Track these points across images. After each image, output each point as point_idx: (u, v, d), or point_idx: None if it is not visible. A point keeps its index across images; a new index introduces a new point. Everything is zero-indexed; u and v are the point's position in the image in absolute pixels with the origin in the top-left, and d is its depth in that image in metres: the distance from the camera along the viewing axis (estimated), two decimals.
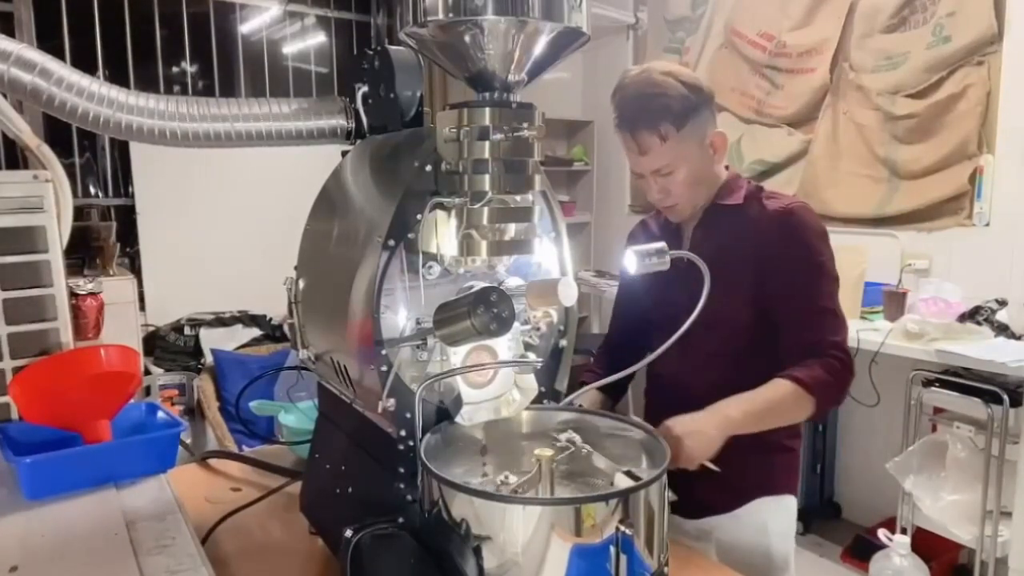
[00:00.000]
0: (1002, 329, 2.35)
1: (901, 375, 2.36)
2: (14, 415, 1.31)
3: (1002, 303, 2.43)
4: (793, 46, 3.22)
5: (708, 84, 1.31)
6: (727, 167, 1.37)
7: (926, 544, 2.29)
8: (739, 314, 1.27)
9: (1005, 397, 2.10)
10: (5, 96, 1.72)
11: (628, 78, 1.29)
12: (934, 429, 2.41)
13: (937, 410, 2.38)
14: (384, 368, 0.85)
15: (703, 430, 1.10)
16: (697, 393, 1.19)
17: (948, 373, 2.27)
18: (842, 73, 3.02)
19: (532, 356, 0.95)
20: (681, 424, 1.09)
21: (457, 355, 0.89)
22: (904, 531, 2.33)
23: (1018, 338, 2.32)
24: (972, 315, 2.42)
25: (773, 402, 1.17)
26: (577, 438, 0.93)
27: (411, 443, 0.86)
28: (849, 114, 3.00)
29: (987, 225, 2.60)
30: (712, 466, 1.10)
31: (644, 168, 1.29)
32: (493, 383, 0.93)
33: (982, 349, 2.18)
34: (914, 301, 2.55)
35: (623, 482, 0.80)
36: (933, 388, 2.28)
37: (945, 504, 2.28)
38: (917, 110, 2.76)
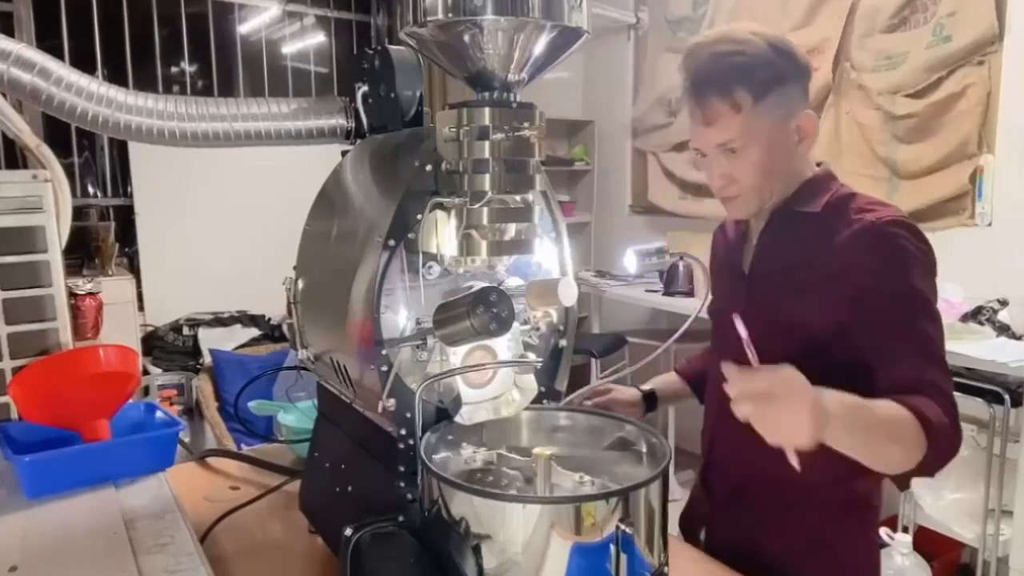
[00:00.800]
0: (1004, 329, 2.35)
1: None
2: (14, 415, 1.31)
3: (1004, 303, 2.43)
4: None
5: (804, 54, 1.10)
6: (819, 164, 1.16)
7: (928, 543, 2.29)
8: (811, 344, 1.04)
9: (1006, 397, 2.09)
10: (4, 96, 1.72)
11: (706, 35, 1.11)
12: None
13: None
14: (384, 368, 0.85)
15: (805, 397, 0.81)
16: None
17: None
18: (844, 73, 3.02)
19: (532, 356, 0.94)
20: (778, 379, 0.82)
21: (457, 355, 0.89)
22: (906, 530, 2.32)
23: (1019, 338, 2.32)
24: (974, 315, 2.42)
25: (880, 416, 0.91)
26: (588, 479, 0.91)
27: (411, 442, 0.86)
28: (851, 113, 3.00)
29: (989, 225, 2.60)
30: (794, 458, 0.82)
31: (708, 141, 1.08)
32: (492, 383, 0.93)
33: (984, 349, 2.18)
34: None
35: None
36: None
37: (947, 503, 2.27)
38: (917, 110, 2.76)
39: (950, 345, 2.28)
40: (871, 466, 0.94)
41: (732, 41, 1.06)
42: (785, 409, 0.80)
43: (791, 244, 1.10)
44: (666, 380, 1.42)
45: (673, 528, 1.12)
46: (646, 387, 1.39)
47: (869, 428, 0.89)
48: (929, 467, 0.95)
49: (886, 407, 0.92)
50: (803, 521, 1.11)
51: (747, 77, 1.04)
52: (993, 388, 2.13)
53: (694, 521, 1.26)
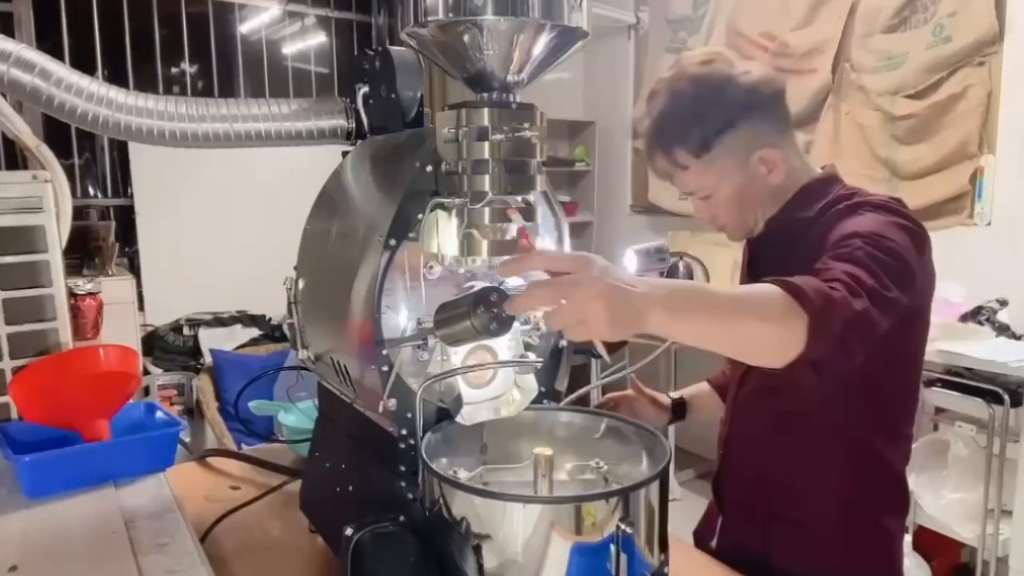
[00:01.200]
0: (1003, 329, 2.35)
1: None
2: (14, 415, 1.31)
3: (1003, 303, 2.43)
4: (795, 46, 3.21)
5: (767, 81, 1.05)
6: (823, 167, 1.13)
7: (928, 542, 2.29)
8: None
9: (1006, 397, 2.10)
10: (5, 96, 1.72)
11: (655, 84, 1.08)
12: (935, 428, 2.41)
13: (939, 410, 2.38)
14: (385, 368, 0.85)
15: (593, 285, 0.68)
16: (747, 439, 1.12)
17: (950, 373, 2.26)
18: (844, 73, 3.02)
19: (532, 356, 0.94)
20: (590, 265, 0.70)
21: (457, 355, 0.89)
22: (906, 530, 2.32)
23: (1019, 338, 2.32)
24: (973, 315, 2.42)
25: (724, 292, 0.77)
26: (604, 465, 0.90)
27: (412, 442, 0.86)
28: (851, 114, 3.00)
29: (988, 225, 2.60)
30: (601, 347, 0.75)
31: (679, 190, 1.10)
32: (493, 383, 0.93)
33: (983, 349, 2.18)
34: None
35: None
36: (935, 388, 2.28)
37: (947, 503, 2.28)
38: (917, 110, 2.76)
39: (950, 345, 2.27)
40: (740, 356, 0.83)
41: (673, 96, 1.04)
42: (573, 301, 0.68)
43: (780, 248, 1.07)
44: (695, 390, 1.39)
45: (687, 537, 1.13)
46: (675, 395, 1.38)
47: (708, 307, 0.75)
48: (823, 338, 0.77)
49: (736, 287, 0.83)
50: (816, 535, 1.09)
51: (681, 138, 1.03)
52: (993, 388, 2.13)
53: (707, 532, 1.25)
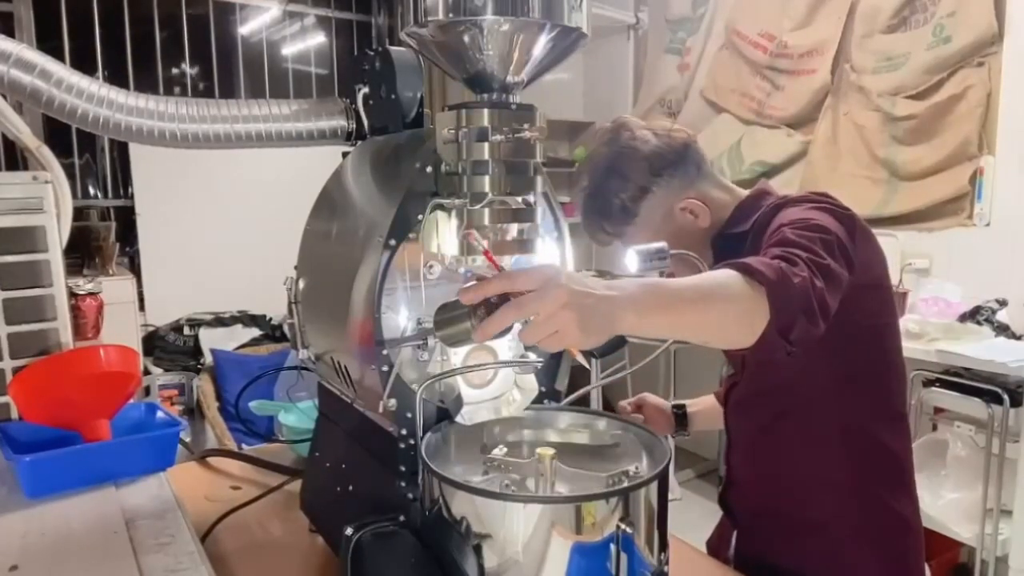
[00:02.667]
0: (1002, 329, 2.35)
1: None
2: (14, 415, 1.31)
3: (1002, 303, 2.43)
4: (794, 47, 3.22)
5: (670, 140, 1.13)
6: (753, 181, 1.19)
7: (927, 542, 2.29)
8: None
9: (1005, 397, 2.10)
10: (5, 97, 1.72)
11: (577, 169, 1.21)
12: (935, 428, 2.41)
13: (938, 410, 2.38)
14: (385, 368, 0.85)
15: (572, 287, 0.69)
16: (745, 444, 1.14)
17: (948, 373, 2.27)
18: (843, 74, 3.03)
19: (532, 356, 0.94)
20: (554, 277, 0.70)
21: (457, 355, 0.90)
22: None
23: (1018, 338, 2.33)
24: (972, 315, 2.42)
25: (681, 283, 0.79)
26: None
27: (412, 442, 0.86)
28: (849, 115, 3.00)
29: (987, 225, 2.60)
30: (579, 356, 0.78)
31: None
32: (493, 383, 0.93)
33: (982, 349, 2.18)
34: (914, 301, 2.55)
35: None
36: (934, 388, 2.28)
37: (946, 502, 2.28)
38: (917, 111, 2.76)
39: (949, 345, 2.27)
40: (713, 341, 0.84)
41: (589, 179, 1.15)
42: (543, 314, 0.69)
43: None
44: (704, 403, 1.40)
45: (687, 537, 1.13)
46: (676, 404, 1.40)
47: (674, 300, 0.76)
48: (785, 307, 0.79)
49: (695, 276, 0.82)
50: (829, 530, 1.09)
51: (607, 213, 1.13)
52: (992, 388, 2.13)
53: (722, 544, 1.25)
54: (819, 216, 0.97)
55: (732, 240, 1.11)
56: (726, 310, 0.80)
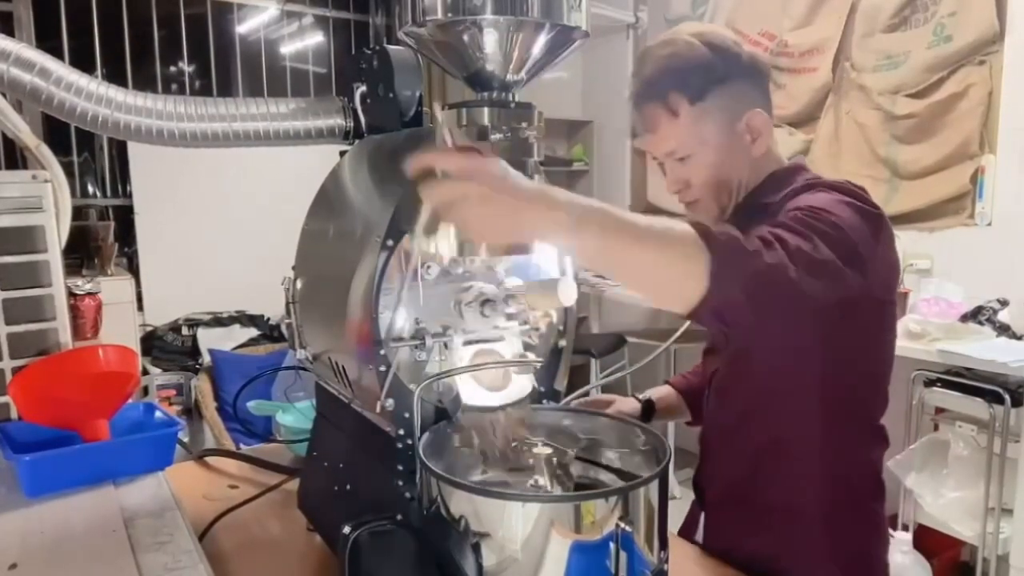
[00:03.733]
0: (1004, 329, 2.35)
1: (903, 375, 2.36)
2: (14, 415, 1.31)
3: (1004, 303, 2.43)
4: (795, 45, 3.21)
5: (760, 57, 1.08)
6: (790, 159, 1.14)
7: (928, 541, 2.30)
8: (773, 343, 1.01)
9: (1007, 397, 2.10)
10: (4, 96, 1.72)
11: (647, 48, 1.08)
12: (936, 428, 2.41)
13: (939, 410, 2.38)
14: (383, 368, 0.85)
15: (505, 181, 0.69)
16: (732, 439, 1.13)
17: (950, 373, 2.26)
18: (844, 73, 3.02)
19: (531, 356, 0.94)
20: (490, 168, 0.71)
21: (463, 359, 0.89)
22: (906, 528, 2.33)
23: (1020, 338, 2.32)
24: (974, 315, 2.42)
25: (631, 216, 0.74)
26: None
27: (409, 442, 0.86)
28: (851, 114, 3.00)
29: (989, 225, 2.60)
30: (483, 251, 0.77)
31: (656, 150, 1.07)
32: (508, 388, 0.93)
33: (984, 349, 2.18)
34: (915, 301, 2.55)
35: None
36: (935, 388, 2.28)
37: (947, 501, 2.28)
38: (918, 110, 2.76)
39: (950, 345, 2.27)
40: (646, 289, 0.78)
41: (668, 44, 1.04)
42: (479, 200, 0.68)
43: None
44: (662, 392, 1.40)
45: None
46: (643, 396, 1.38)
47: (612, 224, 0.72)
48: (724, 284, 0.74)
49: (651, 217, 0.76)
50: (796, 520, 1.08)
51: (681, 81, 1.02)
52: (993, 388, 2.13)
53: (690, 529, 1.25)
54: (842, 212, 0.89)
55: (756, 210, 1.03)
56: (661, 258, 0.74)
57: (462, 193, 0.69)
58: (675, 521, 0.86)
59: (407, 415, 0.86)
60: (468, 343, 0.90)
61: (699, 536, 1.22)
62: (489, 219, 0.69)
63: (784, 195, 1.02)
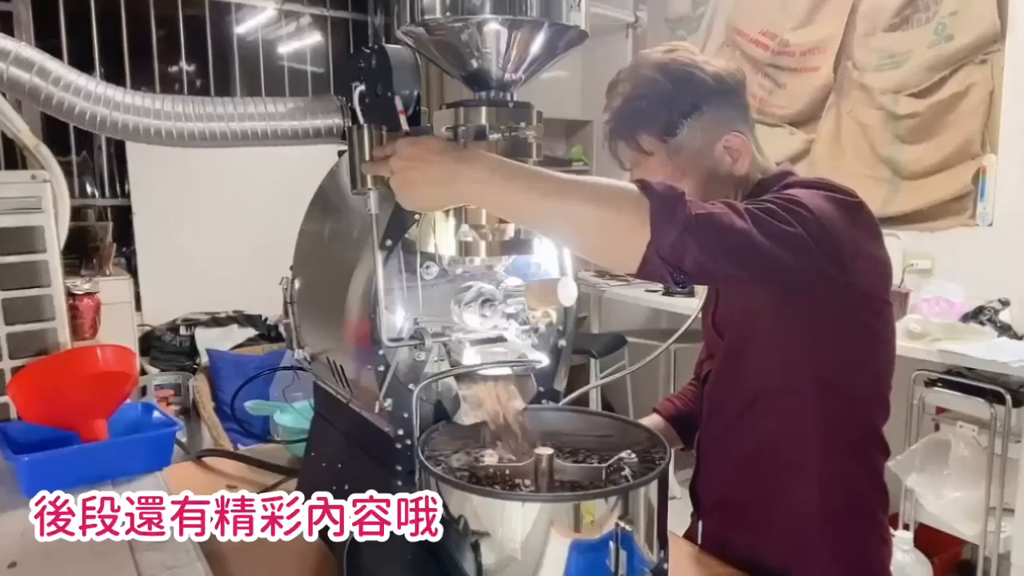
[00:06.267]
0: (1005, 329, 2.34)
1: (904, 375, 2.35)
2: (13, 415, 1.31)
3: (1005, 303, 2.42)
4: (796, 45, 3.21)
5: (729, 72, 1.05)
6: (778, 163, 1.13)
7: (929, 540, 2.29)
8: (765, 344, 1.03)
9: (1008, 397, 2.09)
10: (4, 95, 1.72)
11: (616, 76, 1.08)
12: (937, 429, 2.41)
13: (940, 410, 2.37)
14: (381, 368, 0.85)
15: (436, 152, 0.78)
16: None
17: (951, 373, 2.26)
18: (845, 72, 3.02)
19: (531, 356, 0.94)
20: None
21: (468, 357, 0.89)
22: (907, 527, 2.32)
23: (1021, 338, 2.32)
24: (975, 315, 2.41)
25: (580, 177, 0.78)
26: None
27: (408, 442, 0.85)
28: (852, 113, 2.99)
29: (990, 225, 2.59)
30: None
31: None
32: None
33: (985, 349, 2.17)
34: (916, 301, 2.54)
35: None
36: (936, 388, 2.28)
37: (948, 501, 2.27)
38: (919, 109, 2.75)
39: (951, 345, 2.27)
40: (588, 249, 0.81)
41: (631, 79, 1.03)
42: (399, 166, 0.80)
43: None
44: (650, 422, 1.32)
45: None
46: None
47: (557, 183, 0.76)
48: (665, 228, 0.75)
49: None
50: (794, 519, 1.07)
51: (648, 121, 1.01)
52: (994, 388, 2.12)
53: (688, 538, 1.23)
54: (812, 199, 0.89)
55: None
56: (609, 213, 0.76)
57: (405, 162, 0.78)
58: (675, 521, 0.86)
59: (406, 415, 0.86)
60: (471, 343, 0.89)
61: (697, 541, 1.20)
62: (427, 176, 0.77)
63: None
